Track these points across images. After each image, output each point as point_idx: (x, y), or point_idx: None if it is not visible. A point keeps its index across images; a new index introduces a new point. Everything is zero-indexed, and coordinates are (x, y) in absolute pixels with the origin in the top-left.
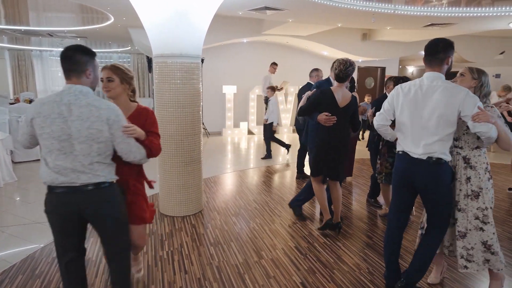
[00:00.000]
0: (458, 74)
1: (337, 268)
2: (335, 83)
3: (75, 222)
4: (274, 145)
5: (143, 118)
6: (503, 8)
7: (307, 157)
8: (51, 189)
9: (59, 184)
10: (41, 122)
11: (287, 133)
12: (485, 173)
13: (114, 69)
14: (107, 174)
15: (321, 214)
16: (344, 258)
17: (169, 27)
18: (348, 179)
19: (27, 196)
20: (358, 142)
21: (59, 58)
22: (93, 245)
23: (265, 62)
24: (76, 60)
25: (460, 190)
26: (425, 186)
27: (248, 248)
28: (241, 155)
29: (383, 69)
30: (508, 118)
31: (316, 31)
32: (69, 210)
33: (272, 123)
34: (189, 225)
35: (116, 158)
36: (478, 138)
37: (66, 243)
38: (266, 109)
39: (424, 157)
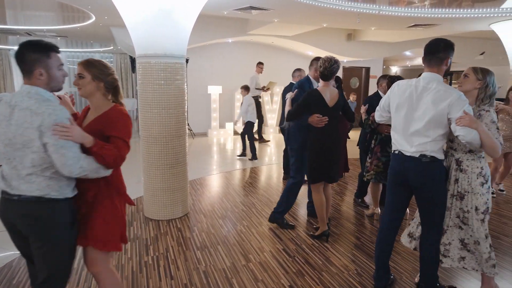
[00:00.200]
0: (462, 75)
1: (326, 270)
2: (315, 82)
3: (18, 234)
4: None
5: (105, 120)
6: (484, 10)
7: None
8: None
9: (3, 190)
10: None
11: (273, 133)
12: (477, 178)
13: (86, 65)
14: (45, 188)
15: (308, 215)
16: (332, 259)
17: (153, 26)
18: None
19: None
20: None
21: None
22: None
23: (250, 62)
24: (24, 58)
25: (448, 190)
26: (420, 184)
27: (235, 252)
28: (227, 156)
29: (367, 69)
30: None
31: (301, 31)
32: (7, 220)
33: (251, 122)
34: (175, 229)
35: None
36: None
37: (23, 253)
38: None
39: (417, 155)
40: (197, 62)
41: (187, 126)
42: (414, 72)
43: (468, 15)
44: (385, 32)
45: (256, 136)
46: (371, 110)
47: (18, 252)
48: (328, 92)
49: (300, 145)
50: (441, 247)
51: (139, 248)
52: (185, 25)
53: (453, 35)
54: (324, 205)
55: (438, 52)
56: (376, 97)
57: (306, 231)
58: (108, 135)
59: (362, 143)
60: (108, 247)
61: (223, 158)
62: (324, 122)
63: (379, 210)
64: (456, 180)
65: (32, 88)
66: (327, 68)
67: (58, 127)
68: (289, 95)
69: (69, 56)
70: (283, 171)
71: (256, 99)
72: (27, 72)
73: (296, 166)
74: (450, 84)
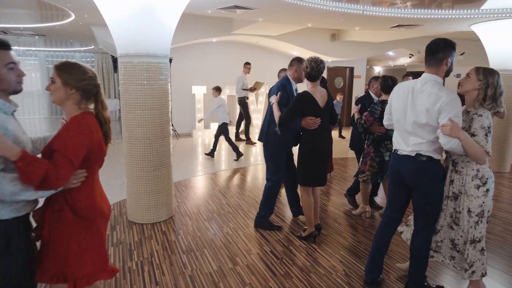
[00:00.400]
0: (465, 75)
1: (314, 272)
2: (293, 82)
3: None
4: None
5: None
6: (465, 11)
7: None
8: None
9: None
10: None
11: (258, 133)
12: (472, 180)
13: (58, 68)
14: None
15: (294, 215)
16: (320, 260)
17: (135, 25)
18: None
19: None
20: (340, 140)
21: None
22: None
23: (235, 62)
24: None
25: (444, 191)
26: (416, 183)
27: (222, 255)
28: (212, 157)
29: (351, 69)
30: None
31: (286, 31)
32: None
33: (225, 123)
34: (160, 233)
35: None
36: None
37: None
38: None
39: (413, 154)
40: (181, 62)
41: (171, 127)
42: (396, 72)
43: (450, 16)
44: (369, 32)
45: (243, 137)
46: (363, 110)
47: None
48: (318, 93)
49: (279, 148)
50: (433, 244)
51: (122, 253)
52: (169, 23)
53: (434, 36)
54: (312, 206)
55: (437, 52)
56: (368, 98)
57: (293, 232)
58: (53, 148)
59: (356, 144)
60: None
61: (208, 159)
62: (318, 124)
63: (370, 208)
64: (452, 181)
65: None
66: (314, 68)
67: None
68: (274, 99)
69: (48, 56)
70: None
71: (243, 100)
72: None
73: (273, 168)
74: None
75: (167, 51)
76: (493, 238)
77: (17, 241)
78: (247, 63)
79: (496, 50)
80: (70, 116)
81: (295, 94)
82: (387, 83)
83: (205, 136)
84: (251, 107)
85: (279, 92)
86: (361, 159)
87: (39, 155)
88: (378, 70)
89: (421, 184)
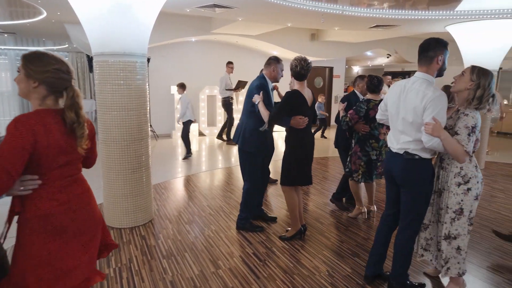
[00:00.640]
0: (461, 72)
1: (297, 273)
2: (269, 81)
3: None
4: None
5: None
6: (440, 12)
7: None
8: None
9: None
10: None
11: None
12: (454, 177)
13: (23, 58)
14: None
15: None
16: (303, 261)
17: (110, 22)
18: None
19: None
20: (322, 140)
21: None
22: None
23: (214, 61)
24: None
25: (431, 190)
26: (403, 181)
27: (203, 258)
28: (193, 158)
29: (331, 69)
30: None
31: (265, 30)
32: None
33: (190, 120)
34: (139, 237)
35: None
36: None
37: None
38: (229, 109)
39: (401, 152)
40: (160, 61)
41: (149, 128)
42: (374, 72)
43: (426, 17)
44: (348, 32)
45: (225, 137)
46: (349, 107)
47: None
48: (306, 92)
49: (257, 149)
50: (422, 241)
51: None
52: (146, 21)
53: (411, 36)
54: (297, 205)
55: (427, 50)
56: (354, 96)
57: (275, 233)
58: None
59: (341, 141)
60: None
61: (188, 160)
62: (306, 123)
63: (365, 209)
64: (437, 177)
65: None
66: (304, 67)
67: None
68: (258, 98)
69: (19, 55)
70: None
71: (228, 100)
72: None
73: (250, 169)
74: None
75: (145, 50)
76: (470, 234)
77: None
78: (230, 63)
79: (470, 51)
80: None
81: (271, 94)
82: (373, 82)
83: None
84: (233, 107)
85: (261, 92)
86: (349, 159)
87: None
88: (356, 70)
89: (407, 182)
